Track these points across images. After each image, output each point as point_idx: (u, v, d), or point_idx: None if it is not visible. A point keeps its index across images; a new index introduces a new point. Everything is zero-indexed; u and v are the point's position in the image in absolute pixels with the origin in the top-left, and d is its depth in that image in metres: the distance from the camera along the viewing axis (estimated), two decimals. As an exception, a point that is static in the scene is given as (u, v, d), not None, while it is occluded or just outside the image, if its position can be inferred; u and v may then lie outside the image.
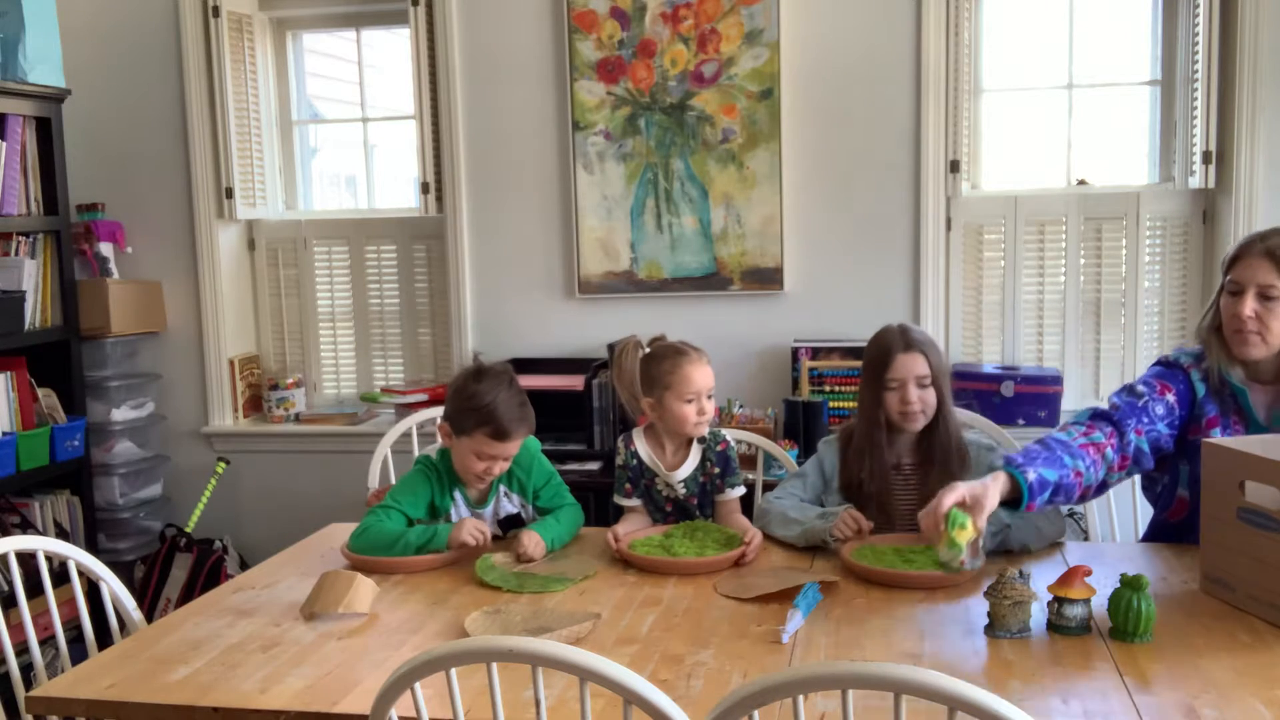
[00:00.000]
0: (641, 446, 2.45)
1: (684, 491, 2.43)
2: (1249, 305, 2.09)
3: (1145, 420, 2.20)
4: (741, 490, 2.45)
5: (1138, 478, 2.42)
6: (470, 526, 2.25)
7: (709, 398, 2.37)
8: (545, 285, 3.82)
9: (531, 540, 2.27)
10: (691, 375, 2.34)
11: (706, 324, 3.63)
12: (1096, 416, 2.22)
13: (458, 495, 2.42)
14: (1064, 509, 2.34)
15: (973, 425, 2.79)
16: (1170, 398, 2.23)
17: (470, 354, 3.82)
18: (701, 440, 2.43)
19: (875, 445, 2.37)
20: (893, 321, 2.46)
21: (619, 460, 2.47)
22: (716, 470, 2.43)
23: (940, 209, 3.55)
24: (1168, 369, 2.28)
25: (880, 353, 2.36)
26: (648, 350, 2.43)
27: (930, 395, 2.33)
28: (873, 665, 1.13)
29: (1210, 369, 2.22)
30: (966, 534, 1.90)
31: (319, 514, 3.12)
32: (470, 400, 2.31)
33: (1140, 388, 2.25)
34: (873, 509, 2.31)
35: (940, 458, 2.34)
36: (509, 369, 2.42)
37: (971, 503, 1.93)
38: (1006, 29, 3.58)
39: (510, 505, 2.45)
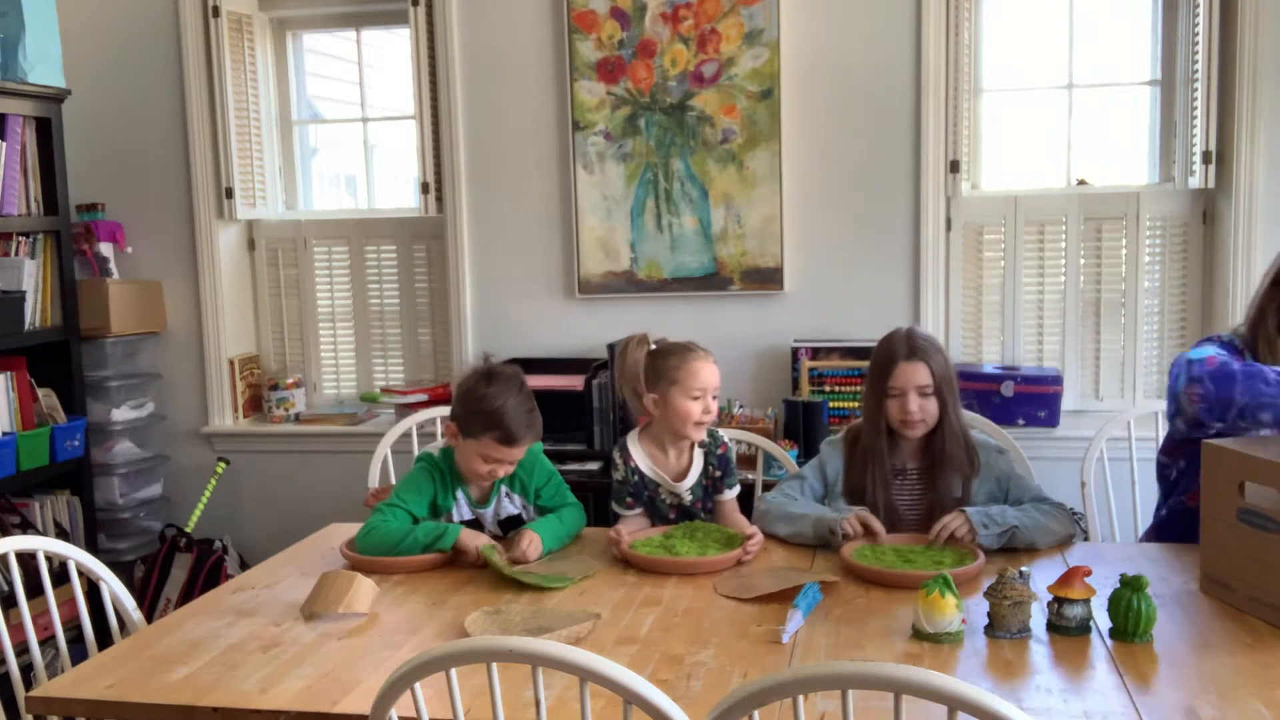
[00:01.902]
0: (641, 459, 2.43)
1: (690, 499, 2.43)
2: None
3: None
4: (738, 489, 2.46)
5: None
6: (481, 542, 2.25)
7: (714, 398, 2.37)
8: (545, 285, 3.82)
9: (527, 540, 2.27)
10: (700, 371, 2.34)
11: (706, 324, 3.63)
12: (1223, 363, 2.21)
13: (460, 495, 2.42)
14: (1068, 508, 2.35)
15: (974, 425, 2.79)
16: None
17: (473, 354, 3.82)
18: (702, 444, 2.43)
19: (878, 452, 2.36)
20: (892, 321, 2.46)
21: (618, 475, 2.43)
22: (718, 474, 2.44)
23: (940, 209, 3.55)
24: (1227, 347, 2.29)
25: (883, 360, 2.35)
26: (654, 346, 2.42)
27: (931, 404, 2.32)
28: (873, 665, 1.13)
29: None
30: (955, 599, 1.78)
31: (319, 514, 3.12)
32: (480, 404, 2.31)
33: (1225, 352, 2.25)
34: (880, 515, 2.31)
35: (944, 463, 2.34)
36: (519, 372, 2.41)
37: None
38: (1006, 29, 3.58)
39: (512, 506, 2.45)
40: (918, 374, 2.31)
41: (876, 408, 2.36)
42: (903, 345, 2.34)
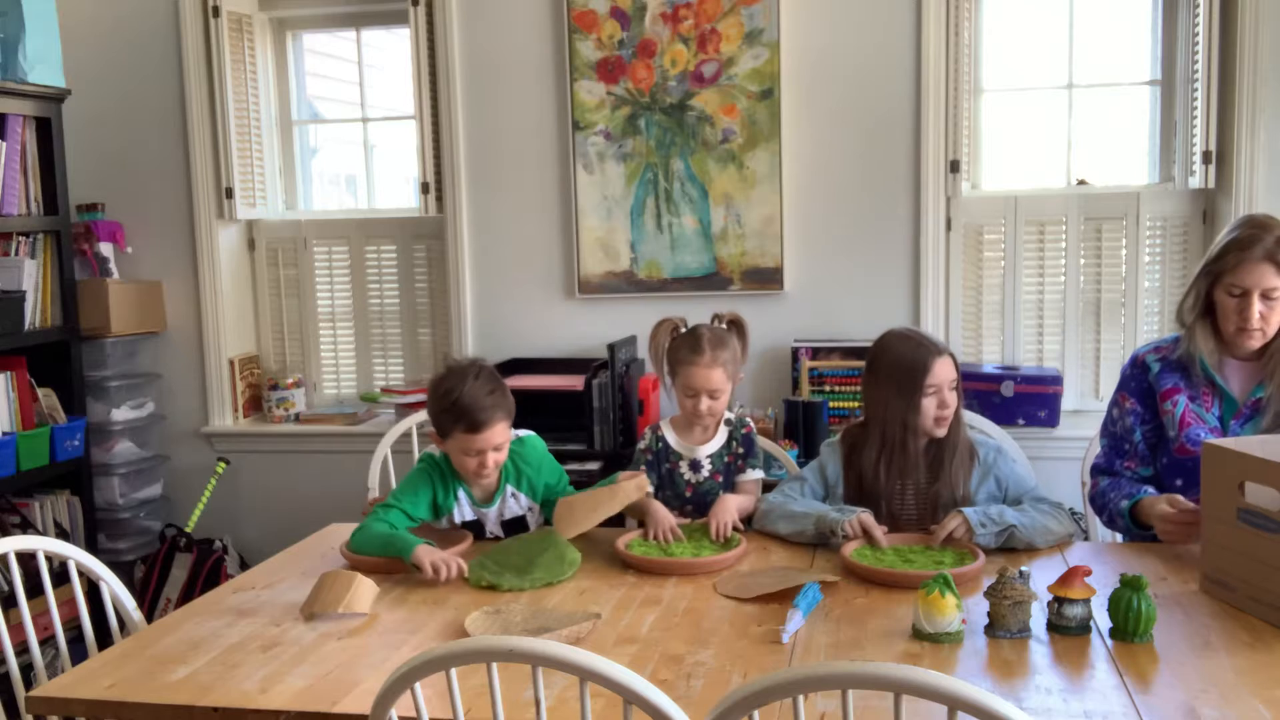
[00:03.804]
0: (669, 433, 2.51)
1: (709, 469, 2.47)
2: (1256, 308, 2.20)
3: (1126, 447, 2.41)
4: (758, 474, 2.50)
5: None
6: (436, 559, 2.13)
7: (711, 397, 2.43)
8: (545, 285, 3.82)
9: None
10: (693, 375, 2.42)
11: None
12: (1095, 470, 2.49)
13: (461, 495, 2.41)
14: (1067, 507, 2.36)
15: (974, 425, 2.79)
16: (1130, 404, 2.41)
17: (473, 354, 3.82)
18: (728, 423, 2.51)
19: (908, 454, 2.34)
20: (892, 321, 2.48)
21: (642, 445, 2.52)
22: (740, 451, 2.49)
23: (940, 209, 3.55)
24: (1128, 373, 2.45)
25: (915, 359, 2.31)
26: (678, 333, 2.50)
27: (954, 398, 2.35)
28: (873, 665, 1.13)
29: (1183, 350, 2.34)
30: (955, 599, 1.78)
31: (319, 514, 3.12)
32: (440, 402, 2.32)
33: (1114, 412, 2.46)
34: (883, 515, 2.31)
35: (953, 458, 2.34)
36: (477, 360, 2.41)
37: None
38: (1006, 29, 3.58)
39: (517, 506, 2.45)
40: (950, 369, 2.34)
41: (910, 409, 2.30)
42: (929, 344, 2.34)
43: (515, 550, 2.22)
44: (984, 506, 2.27)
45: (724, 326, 2.49)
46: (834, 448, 2.48)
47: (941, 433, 2.34)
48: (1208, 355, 2.30)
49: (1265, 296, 2.19)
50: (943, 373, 2.31)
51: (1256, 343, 2.23)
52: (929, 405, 2.31)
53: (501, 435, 2.33)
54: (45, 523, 3.57)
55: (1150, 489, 2.30)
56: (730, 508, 2.34)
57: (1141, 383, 2.41)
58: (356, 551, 2.26)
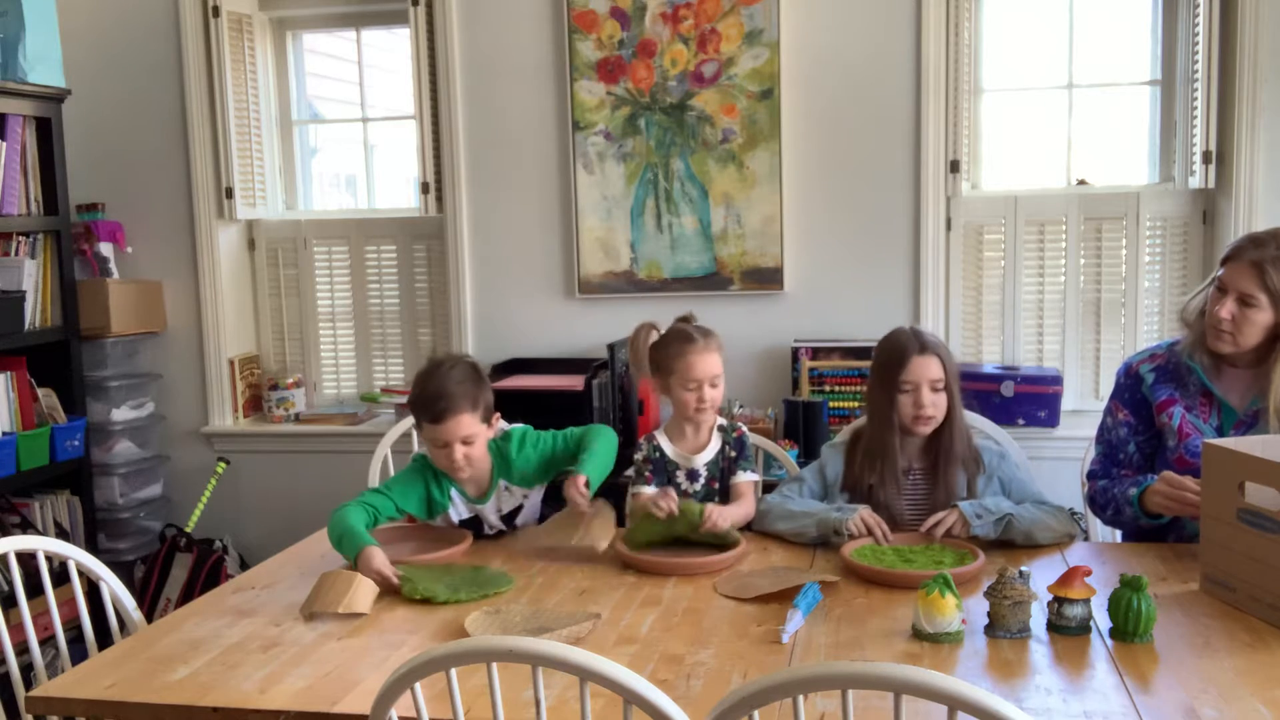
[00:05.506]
0: (665, 443, 2.49)
1: (706, 475, 2.46)
2: (1228, 308, 2.21)
3: (1121, 457, 2.42)
4: (752, 476, 2.48)
5: None
6: (377, 565, 2.08)
7: (713, 385, 2.41)
8: (545, 285, 3.82)
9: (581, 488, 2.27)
10: (693, 364, 2.39)
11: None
12: (1091, 476, 2.49)
13: (454, 493, 2.42)
14: (1068, 509, 2.36)
15: (973, 426, 2.78)
16: (1123, 415, 2.42)
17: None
18: (721, 429, 2.49)
19: (888, 449, 2.35)
20: (892, 321, 2.48)
21: (640, 455, 2.50)
22: (733, 454, 2.48)
23: (940, 209, 3.55)
24: (1121, 383, 2.45)
25: (895, 355, 2.34)
26: (660, 335, 2.48)
27: (942, 399, 2.32)
28: (873, 665, 1.13)
29: (1180, 351, 2.35)
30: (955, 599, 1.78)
31: (319, 514, 3.10)
32: (411, 393, 2.34)
33: (1108, 421, 2.46)
34: (881, 513, 2.31)
35: (949, 462, 2.34)
36: (450, 354, 2.40)
37: None
38: (1006, 29, 3.58)
39: (512, 499, 2.45)
40: (930, 368, 2.31)
41: (888, 404, 2.34)
42: (913, 341, 2.35)
43: (444, 571, 2.16)
44: (979, 500, 2.27)
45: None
46: (835, 449, 2.49)
47: (922, 431, 2.34)
48: (1203, 365, 2.29)
49: (1243, 301, 2.19)
50: (920, 371, 2.31)
51: (1225, 345, 2.23)
52: (905, 402, 2.32)
53: (466, 428, 2.27)
54: (45, 523, 3.57)
55: (1154, 477, 2.29)
56: (726, 514, 2.30)
57: (1135, 394, 2.40)
58: (330, 531, 2.26)
